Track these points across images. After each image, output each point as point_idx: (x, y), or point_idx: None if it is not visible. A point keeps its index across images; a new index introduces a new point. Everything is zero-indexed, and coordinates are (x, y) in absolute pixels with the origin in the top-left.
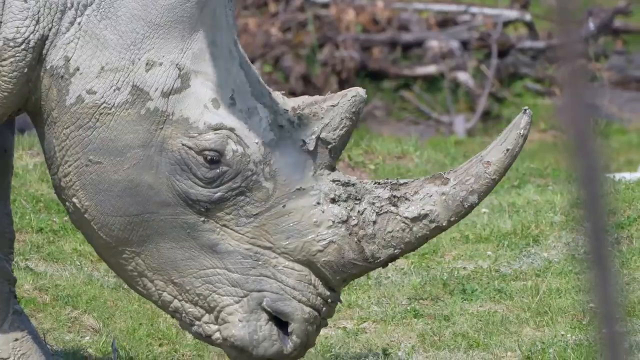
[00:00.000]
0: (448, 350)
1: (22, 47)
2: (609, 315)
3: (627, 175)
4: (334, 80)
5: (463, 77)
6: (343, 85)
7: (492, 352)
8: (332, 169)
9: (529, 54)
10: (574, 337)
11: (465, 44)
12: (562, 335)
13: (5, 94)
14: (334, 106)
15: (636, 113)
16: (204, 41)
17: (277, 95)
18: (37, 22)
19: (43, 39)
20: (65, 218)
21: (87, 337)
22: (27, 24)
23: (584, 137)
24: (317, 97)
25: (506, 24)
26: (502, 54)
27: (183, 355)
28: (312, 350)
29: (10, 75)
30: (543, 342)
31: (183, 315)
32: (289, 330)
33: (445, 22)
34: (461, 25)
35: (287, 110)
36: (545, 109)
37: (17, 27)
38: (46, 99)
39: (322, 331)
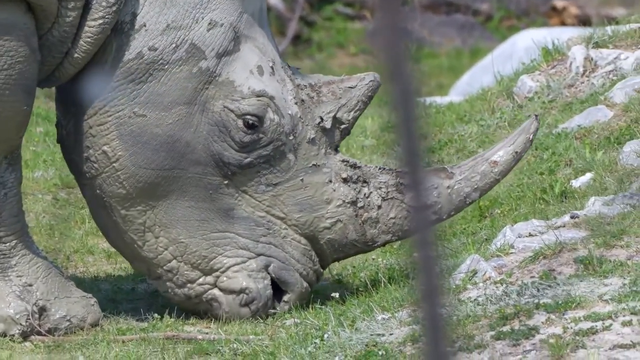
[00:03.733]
0: None
1: (114, 8)
2: (422, 239)
3: (438, 99)
4: None
5: (273, 0)
6: None
7: None
8: (337, 150)
9: None
10: (385, 261)
11: None
12: (373, 259)
13: (84, 55)
14: (351, 88)
15: (446, 37)
16: (255, 6)
17: (295, 70)
18: None
19: None
20: None
21: None
22: None
23: (397, 61)
24: (333, 77)
25: None
26: None
27: None
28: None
29: (96, 37)
30: (354, 266)
31: (176, 276)
32: (285, 299)
33: None
34: None
35: (307, 86)
36: (356, 33)
37: None
38: (101, 54)
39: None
